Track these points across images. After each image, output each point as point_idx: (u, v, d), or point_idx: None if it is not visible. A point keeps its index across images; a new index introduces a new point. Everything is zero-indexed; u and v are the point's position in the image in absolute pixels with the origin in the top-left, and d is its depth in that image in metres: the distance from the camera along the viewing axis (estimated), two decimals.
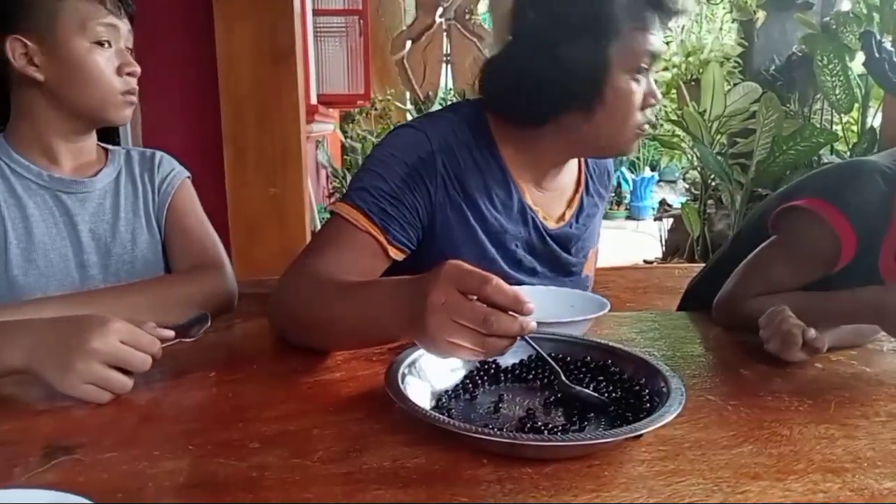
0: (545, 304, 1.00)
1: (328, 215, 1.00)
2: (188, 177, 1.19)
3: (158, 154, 1.17)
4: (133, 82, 1.03)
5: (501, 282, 0.63)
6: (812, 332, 0.82)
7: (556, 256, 1.08)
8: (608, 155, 1.10)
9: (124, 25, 1.03)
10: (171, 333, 0.80)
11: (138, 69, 1.03)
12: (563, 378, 0.73)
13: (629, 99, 0.95)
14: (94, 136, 1.10)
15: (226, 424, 0.69)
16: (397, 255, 0.95)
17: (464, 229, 0.99)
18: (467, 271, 0.64)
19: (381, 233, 0.93)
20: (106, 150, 1.14)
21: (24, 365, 0.72)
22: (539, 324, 0.89)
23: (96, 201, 1.06)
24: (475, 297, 0.63)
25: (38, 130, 1.02)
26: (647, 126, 0.99)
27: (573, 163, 1.12)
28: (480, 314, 0.62)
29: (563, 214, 1.10)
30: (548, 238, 1.07)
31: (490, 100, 1.02)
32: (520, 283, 1.02)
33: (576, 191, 1.13)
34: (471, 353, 0.64)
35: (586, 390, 0.72)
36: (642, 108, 0.97)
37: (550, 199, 1.08)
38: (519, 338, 0.65)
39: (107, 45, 1.00)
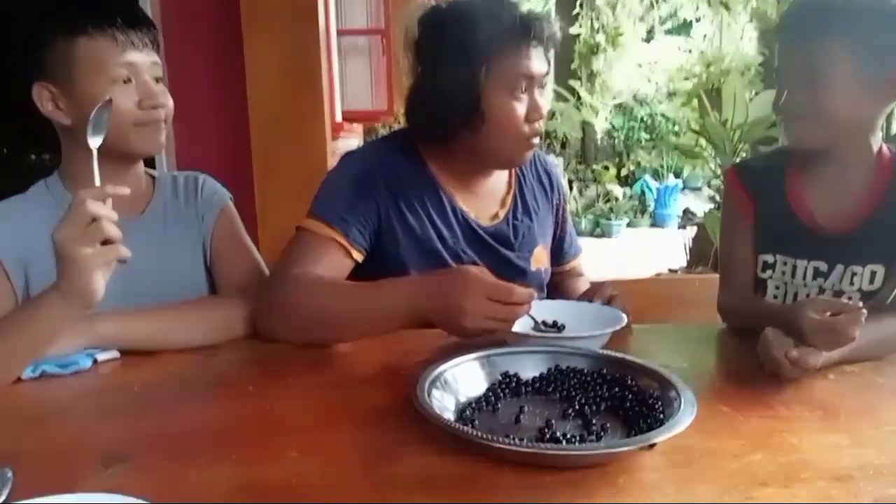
0: (566, 319, 1.05)
1: None
2: (230, 198, 1.22)
3: (201, 178, 1.21)
4: (156, 114, 1.02)
5: (517, 288, 0.88)
6: (794, 353, 0.84)
7: (495, 252, 1.20)
8: (503, 166, 1.23)
9: (147, 58, 1.02)
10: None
11: (161, 100, 1.03)
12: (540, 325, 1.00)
13: (509, 115, 1.09)
14: (139, 167, 1.13)
15: (265, 435, 0.74)
16: (358, 257, 1.10)
17: (406, 231, 1.14)
18: (491, 284, 0.89)
19: (343, 237, 1.08)
20: (153, 177, 1.18)
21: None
22: (560, 338, 0.96)
23: (145, 237, 1.07)
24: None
25: (81, 169, 1.03)
26: (536, 138, 1.14)
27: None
28: (511, 314, 0.88)
29: (497, 213, 1.23)
30: (484, 235, 1.20)
31: (410, 125, 1.18)
32: None
33: (507, 191, 1.26)
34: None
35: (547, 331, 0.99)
36: (528, 122, 1.11)
37: (482, 200, 1.22)
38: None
39: (126, 81, 1.00)
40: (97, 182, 0.84)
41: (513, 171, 1.28)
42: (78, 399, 0.86)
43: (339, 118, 3.20)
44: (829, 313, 0.86)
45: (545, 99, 1.15)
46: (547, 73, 1.13)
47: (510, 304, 0.88)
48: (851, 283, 1.07)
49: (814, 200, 1.10)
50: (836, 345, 0.87)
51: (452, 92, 1.08)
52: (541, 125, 1.14)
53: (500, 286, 0.88)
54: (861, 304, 0.86)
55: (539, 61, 1.11)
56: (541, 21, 1.09)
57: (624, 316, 1.01)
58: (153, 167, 1.25)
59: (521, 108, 1.10)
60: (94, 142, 0.87)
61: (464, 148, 1.15)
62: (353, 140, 3.85)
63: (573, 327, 1.02)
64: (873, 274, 1.06)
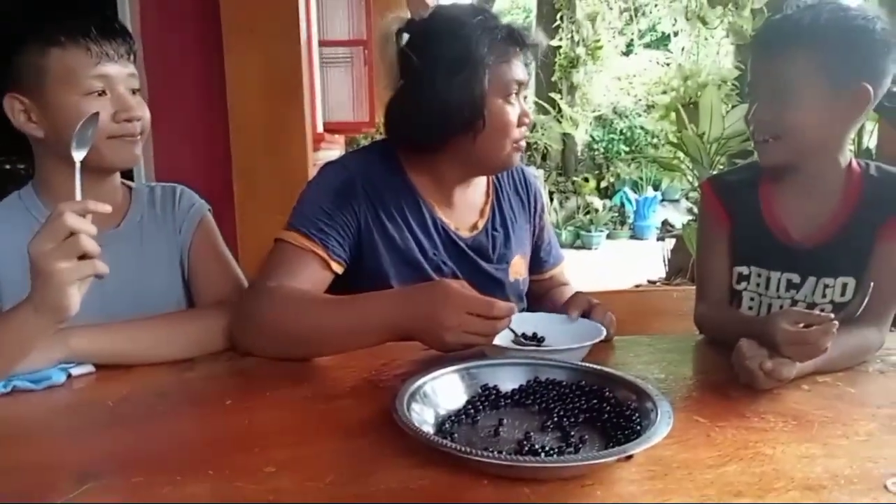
0: (545, 331, 1.05)
1: None
2: (209, 209, 1.21)
3: (179, 189, 1.19)
4: (130, 127, 1.01)
5: (498, 302, 0.88)
6: (768, 364, 0.86)
7: (474, 263, 1.21)
8: (494, 171, 1.25)
9: (122, 69, 1.01)
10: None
11: (136, 113, 1.01)
12: (520, 338, 1.01)
13: (506, 119, 1.12)
14: (115, 179, 1.11)
15: (243, 450, 0.73)
16: (338, 269, 1.10)
17: (386, 241, 1.14)
18: (472, 298, 0.89)
19: (322, 249, 1.07)
20: (130, 188, 1.16)
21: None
22: (539, 350, 0.97)
23: (121, 250, 1.06)
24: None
25: (55, 181, 1.03)
26: (524, 141, 1.18)
27: (480, 177, 1.26)
28: (491, 328, 0.89)
29: (476, 224, 1.24)
30: (463, 246, 1.20)
31: (394, 134, 1.18)
32: None
33: (485, 202, 1.27)
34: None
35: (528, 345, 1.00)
36: (518, 126, 1.15)
37: (461, 212, 1.23)
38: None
39: (101, 93, 0.98)
40: (78, 195, 0.83)
41: (490, 182, 1.29)
42: (51, 414, 0.84)
43: (320, 129, 3.20)
44: (802, 325, 0.88)
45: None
46: (528, 81, 1.17)
47: (490, 318, 0.88)
48: (824, 296, 1.09)
49: (786, 213, 1.12)
50: (808, 356, 0.88)
51: (456, 99, 1.08)
52: (527, 129, 1.17)
53: (480, 301, 0.89)
54: (833, 315, 0.88)
55: (524, 68, 1.16)
56: (528, 30, 1.15)
57: (603, 329, 1.02)
58: (131, 178, 1.23)
59: (514, 113, 1.13)
60: (78, 155, 0.86)
61: (451, 156, 1.16)
62: (334, 151, 3.84)
63: (552, 340, 1.03)
64: (844, 286, 1.08)
